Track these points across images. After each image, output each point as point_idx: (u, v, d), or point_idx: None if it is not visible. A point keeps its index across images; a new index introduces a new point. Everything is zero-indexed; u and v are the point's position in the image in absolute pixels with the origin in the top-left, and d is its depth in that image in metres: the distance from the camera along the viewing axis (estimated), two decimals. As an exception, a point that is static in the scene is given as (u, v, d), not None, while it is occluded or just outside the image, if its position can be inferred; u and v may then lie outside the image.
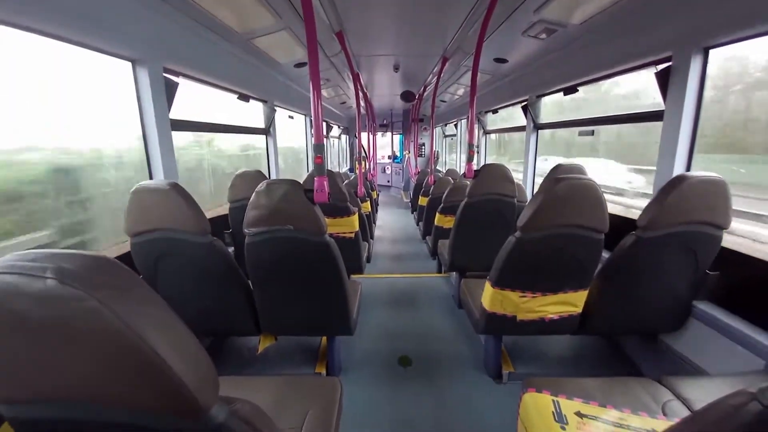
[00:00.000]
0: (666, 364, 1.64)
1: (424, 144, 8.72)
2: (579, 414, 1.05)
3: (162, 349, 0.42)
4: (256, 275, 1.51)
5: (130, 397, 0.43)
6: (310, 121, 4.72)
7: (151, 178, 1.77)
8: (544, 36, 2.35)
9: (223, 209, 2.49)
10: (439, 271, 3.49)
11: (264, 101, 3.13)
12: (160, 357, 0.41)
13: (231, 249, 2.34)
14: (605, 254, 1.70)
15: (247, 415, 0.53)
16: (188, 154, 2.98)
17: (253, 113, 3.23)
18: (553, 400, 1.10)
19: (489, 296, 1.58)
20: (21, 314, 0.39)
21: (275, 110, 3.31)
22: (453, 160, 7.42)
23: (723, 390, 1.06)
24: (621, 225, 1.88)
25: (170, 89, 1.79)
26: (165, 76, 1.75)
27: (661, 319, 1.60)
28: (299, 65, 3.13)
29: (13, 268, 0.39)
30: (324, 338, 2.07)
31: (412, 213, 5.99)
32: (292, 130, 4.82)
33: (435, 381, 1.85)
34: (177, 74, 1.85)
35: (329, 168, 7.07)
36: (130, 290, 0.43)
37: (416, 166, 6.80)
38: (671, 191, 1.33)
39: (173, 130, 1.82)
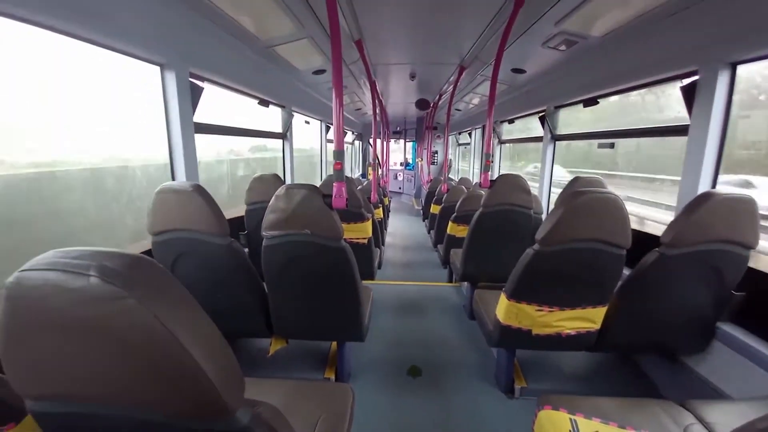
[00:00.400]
0: (687, 387, 1.58)
1: (437, 152, 8.72)
2: (597, 435, 1.02)
3: (194, 349, 0.42)
4: (272, 278, 1.53)
5: (160, 396, 0.44)
6: (326, 126, 4.78)
7: (173, 179, 1.82)
8: (563, 47, 2.34)
9: (239, 211, 2.54)
10: (450, 280, 3.45)
11: (282, 106, 3.19)
12: (192, 358, 0.42)
13: (245, 251, 2.37)
14: (626, 271, 1.66)
15: (269, 419, 0.54)
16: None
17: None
18: (570, 419, 1.07)
19: (504, 308, 1.55)
20: (62, 311, 0.40)
21: (293, 115, 3.37)
22: (466, 168, 7.39)
23: (747, 415, 1.01)
24: (644, 241, 1.83)
25: (195, 93, 1.84)
26: (191, 81, 1.80)
27: (683, 340, 1.54)
28: (317, 72, 3.18)
29: (56, 265, 0.40)
30: (334, 343, 2.07)
31: (423, 221, 5.97)
32: (306, 134, 4.89)
33: (444, 392, 1.82)
34: (202, 79, 1.91)
35: None
36: (167, 290, 0.44)
37: (429, 174, 6.80)
38: (697, 208, 1.29)
39: (196, 132, 1.87)
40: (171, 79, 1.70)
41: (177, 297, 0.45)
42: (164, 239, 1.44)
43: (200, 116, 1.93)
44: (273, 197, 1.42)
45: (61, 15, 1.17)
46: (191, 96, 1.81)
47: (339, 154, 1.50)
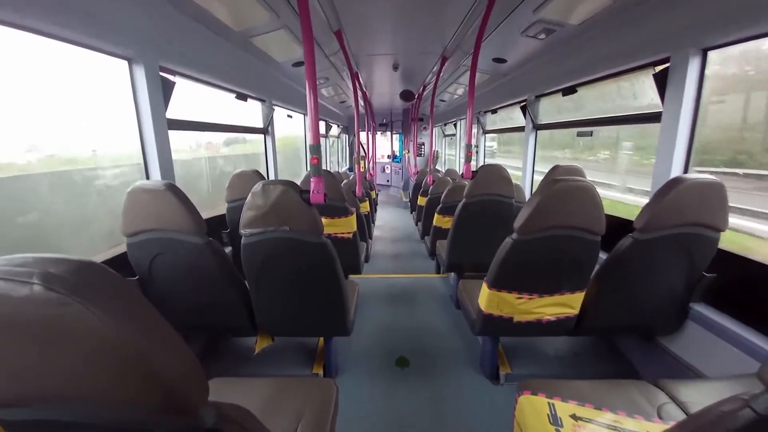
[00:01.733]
0: (663, 366, 1.64)
1: (423, 143, 8.72)
2: (574, 416, 1.05)
3: (147, 351, 0.42)
4: (252, 276, 1.51)
5: (117, 399, 0.43)
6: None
7: (147, 178, 1.76)
8: (543, 36, 2.35)
9: (222, 209, 2.49)
10: (438, 272, 3.49)
11: (262, 100, 3.12)
12: (144, 360, 0.41)
13: (229, 249, 2.34)
14: (603, 256, 1.70)
15: (237, 419, 0.53)
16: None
17: (246, 112, 3.21)
18: (549, 403, 1.10)
19: (485, 297, 1.57)
20: (7, 318, 0.38)
21: (273, 109, 3.30)
22: (452, 156, 7.41)
23: (719, 393, 1.06)
24: (618, 226, 1.88)
25: (167, 88, 1.78)
26: (161, 75, 1.74)
27: (658, 321, 1.60)
28: (297, 64, 3.12)
29: None
30: (321, 339, 2.07)
31: (411, 213, 5.99)
32: (291, 127, 4.80)
33: (432, 382, 1.85)
34: (174, 73, 1.84)
35: (328, 168, 7.09)
36: (115, 294, 0.42)
37: (415, 166, 6.79)
38: (668, 193, 1.33)
39: (170, 129, 1.82)
40: (140, 73, 1.64)
41: (127, 299, 0.43)
42: (139, 240, 1.40)
43: (176, 111, 1.87)
44: (249, 194, 1.39)
45: (15, 7, 1.10)
46: (163, 91, 1.75)
47: (315, 149, 1.48)
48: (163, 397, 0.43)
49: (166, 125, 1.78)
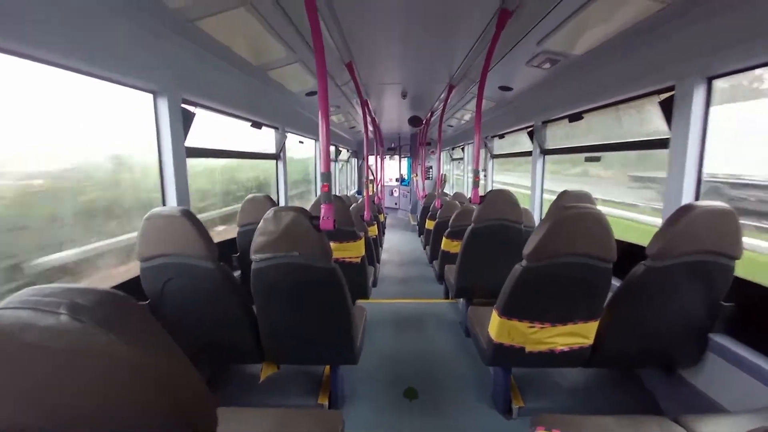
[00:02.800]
0: (685, 400, 1.56)
1: (431, 167, 8.82)
2: (592, 456, 1.00)
3: (164, 382, 0.43)
4: (261, 301, 1.52)
5: (132, 427, 0.43)
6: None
7: (164, 203, 1.83)
8: (547, 65, 2.42)
9: (232, 233, 2.54)
10: (446, 297, 3.43)
11: (276, 128, 3.24)
12: (161, 390, 0.42)
13: (237, 273, 2.36)
14: (616, 283, 1.66)
15: None
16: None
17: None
18: None
19: (496, 326, 1.54)
20: (33, 348, 0.40)
21: (286, 136, 3.42)
22: (460, 177, 7.45)
23: (742, 428, 1.00)
24: (631, 253, 1.84)
25: (187, 119, 1.88)
26: (183, 107, 1.84)
27: (677, 352, 1.53)
28: (310, 94, 3.26)
29: (27, 303, 0.41)
30: (327, 367, 2.03)
31: (420, 236, 5.98)
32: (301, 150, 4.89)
33: (441, 415, 1.78)
34: (195, 104, 1.95)
35: (337, 190, 7.20)
36: (137, 325, 0.44)
37: (423, 189, 6.85)
38: (679, 220, 1.31)
39: (188, 157, 1.90)
40: (163, 105, 1.74)
41: (147, 329, 0.45)
42: (153, 265, 1.43)
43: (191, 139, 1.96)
44: (262, 220, 1.43)
45: (52, 47, 1.20)
46: (183, 121, 1.85)
47: (326, 176, 1.52)
48: (176, 426, 0.44)
49: (185, 154, 1.87)
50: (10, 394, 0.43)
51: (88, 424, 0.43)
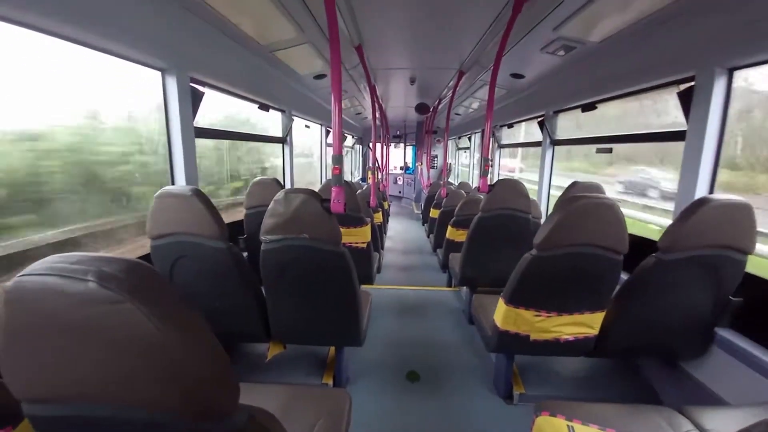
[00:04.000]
0: (685, 392, 1.58)
1: (436, 156, 8.75)
2: (595, 441, 1.01)
3: (189, 352, 0.43)
4: (269, 282, 1.53)
5: (156, 397, 0.44)
6: (326, 130, 4.80)
7: (173, 183, 1.82)
8: (562, 53, 2.36)
9: (240, 214, 2.54)
10: (450, 285, 3.45)
11: (283, 111, 3.21)
12: (187, 361, 0.42)
13: (244, 255, 2.38)
14: (624, 275, 1.66)
15: (265, 423, 0.54)
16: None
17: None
18: (568, 425, 1.07)
19: (502, 314, 1.55)
20: (60, 315, 0.40)
21: (293, 119, 3.39)
22: (465, 169, 7.40)
23: (745, 421, 1.01)
24: (642, 246, 1.84)
25: (196, 98, 1.85)
26: (191, 86, 1.81)
27: (682, 345, 1.54)
28: (318, 77, 3.20)
29: (54, 270, 0.41)
30: (332, 348, 2.07)
31: (423, 225, 5.98)
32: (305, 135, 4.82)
33: (443, 398, 1.81)
34: (203, 84, 1.92)
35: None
36: (163, 295, 0.44)
37: (428, 178, 6.81)
38: (693, 214, 1.30)
39: (197, 137, 1.88)
40: (172, 83, 1.72)
41: (172, 301, 0.45)
42: (163, 243, 1.44)
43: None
44: (272, 202, 1.42)
45: (63, 19, 1.18)
46: (192, 101, 1.83)
47: (337, 159, 1.51)
48: (201, 399, 0.44)
49: (194, 133, 1.85)
50: (33, 362, 0.43)
51: (111, 394, 0.44)
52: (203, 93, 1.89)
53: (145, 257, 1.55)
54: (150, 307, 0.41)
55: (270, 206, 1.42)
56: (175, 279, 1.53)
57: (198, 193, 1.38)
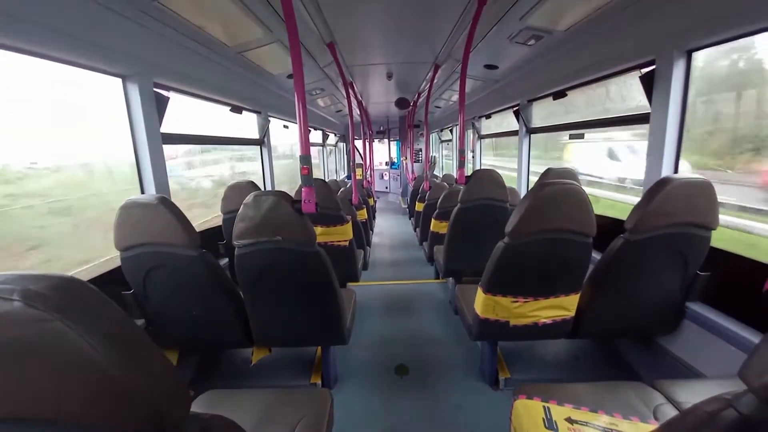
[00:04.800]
0: (662, 367, 1.63)
1: (420, 150, 8.77)
2: (569, 420, 1.04)
3: (126, 366, 0.42)
4: (247, 287, 1.51)
5: (98, 414, 0.43)
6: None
7: (142, 192, 1.78)
8: (532, 42, 2.38)
9: (218, 220, 2.50)
10: (437, 277, 3.48)
11: (258, 112, 3.16)
12: (124, 375, 0.42)
13: (225, 260, 2.34)
14: (597, 256, 1.70)
15: (221, 430, 0.53)
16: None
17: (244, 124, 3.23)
18: (544, 407, 1.09)
19: (481, 302, 1.57)
20: None
21: (269, 120, 3.34)
22: (450, 161, 7.44)
23: (716, 392, 1.05)
24: (611, 227, 1.88)
25: (161, 103, 1.81)
26: (155, 91, 1.77)
27: (655, 322, 1.59)
28: (292, 76, 3.16)
29: None
30: (319, 348, 2.07)
31: (410, 219, 6.00)
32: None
33: (431, 389, 1.84)
34: (168, 88, 1.88)
35: (326, 176, 7.10)
36: (95, 310, 0.43)
37: (413, 172, 6.82)
38: (656, 194, 1.34)
39: (164, 143, 1.84)
40: (134, 90, 1.67)
41: (107, 315, 0.44)
42: (133, 254, 1.41)
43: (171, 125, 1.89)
44: (242, 206, 1.40)
45: (13, 31, 1.13)
46: (157, 106, 1.78)
47: (305, 159, 1.50)
48: (142, 415, 0.43)
49: (161, 140, 1.81)
50: None
51: (43, 411, 0.43)
52: (168, 98, 1.85)
53: (116, 270, 1.51)
54: (81, 323, 0.40)
55: (240, 210, 1.41)
56: (150, 290, 1.50)
57: (165, 201, 1.35)
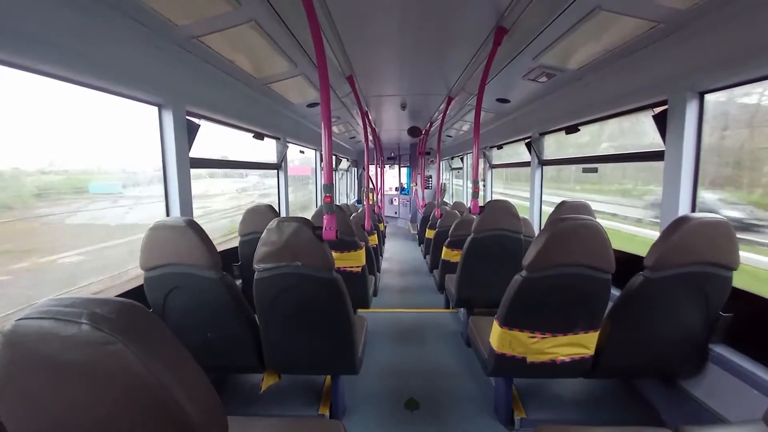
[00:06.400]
0: (686, 411, 1.56)
1: (430, 176, 8.88)
2: (594, 467, 1.00)
3: (177, 390, 0.44)
4: (263, 310, 1.52)
5: None
6: (321, 155, 4.89)
7: (168, 214, 1.85)
8: (544, 79, 2.47)
9: (234, 242, 2.55)
10: (447, 306, 3.42)
11: (277, 138, 3.29)
12: (174, 399, 0.43)
13: (239, 282, 2.36)
14: (616, 293, 1.68)
15: None
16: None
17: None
18: None
19: (497, 336, 1.54)
20: (55, 356, 0.42)
21: (288, 146, 3.46)
22: (459, 187, 7.50)
23: None
24: (630, 264, 1.86)
25: (192, 130, 1.91)
26: (187, 119, 1.88)
27: (677, 363, 1.54)
28: (311, 105, 3.31)
29: (49, 314, 0.43)
30: (328, 377, 2.03)
31: (419, 245, 5.98)
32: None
33: (443, 426, 1.77)
34: (199, 116, 1.99)
35: (337, 199, 7.20)
36: (153, 334, 0.46)
37: (423, 199, 6.88)
38: (675, 232, 1.33)
39: (192, 168, 1.93)
40: (168, 117, 1.77)
41: (163, 339, 0.47)
42: (156, 275, 1.44)
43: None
44: (265, 230, 1.44)
45: (60, 62, 1.23)
46: (188, 133, 1.88)
47: (328, 188, 1.55)
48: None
49: (189, 165, 1.90)
50: (30, 402, 0.44)
51: (104, 431, 0.44)
52: (199, 125, 1.95)
53: (139, 289, 1.54)
54: (140, 347, 0.43)
55: (263, 235, 1.44)
56: (169, 310, 1.52)
57: (192, 224, 1.40)
